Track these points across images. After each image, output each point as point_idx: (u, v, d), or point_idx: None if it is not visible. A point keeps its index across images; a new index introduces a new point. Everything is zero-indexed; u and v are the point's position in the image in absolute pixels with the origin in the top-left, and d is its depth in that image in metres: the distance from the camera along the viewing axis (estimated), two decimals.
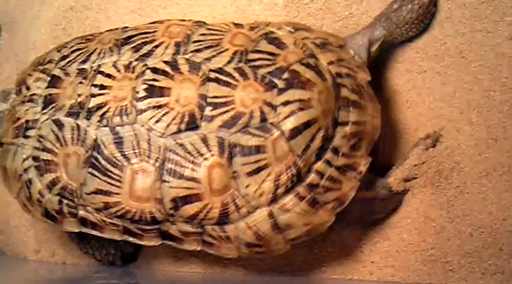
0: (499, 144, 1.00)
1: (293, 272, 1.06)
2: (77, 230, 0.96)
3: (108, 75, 0.92)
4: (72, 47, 1.00)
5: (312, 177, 0.88)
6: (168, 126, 0.88)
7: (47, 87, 0.96)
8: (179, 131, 0.88)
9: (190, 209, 0.88)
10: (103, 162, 0.90)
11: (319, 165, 0.88)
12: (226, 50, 0.92)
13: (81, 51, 0.98)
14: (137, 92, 0.90)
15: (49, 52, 1.03)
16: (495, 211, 0.99)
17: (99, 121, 0.90)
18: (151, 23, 1.01)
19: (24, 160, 0.95)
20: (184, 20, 1.00)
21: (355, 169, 0.90)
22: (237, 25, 0.98)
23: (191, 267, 1.10)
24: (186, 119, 0.88)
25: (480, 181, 1.00)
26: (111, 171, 0.89)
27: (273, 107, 0.87)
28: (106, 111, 0.90)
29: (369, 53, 0.98)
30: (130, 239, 0.94)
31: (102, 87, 0.92)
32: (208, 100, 0.88)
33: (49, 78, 0.97)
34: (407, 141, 1.04)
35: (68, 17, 1.20)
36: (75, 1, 1.19)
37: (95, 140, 0.90)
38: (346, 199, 0.90)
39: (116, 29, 1.02)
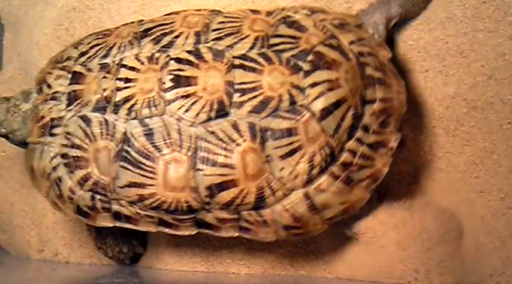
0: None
1: (295, 271, 1.07)
2: (111, 225, 0.96)
3: (132, 68, 0.92)
4: (89, 43, 0.99)
5: (345, 156, 0.89)
6: (197, 114, 0.88)
7: (69, 84, 0.95)
8: (209, 119, 0.88)
9: (226, 195, 0.88)
10: (134, 155, 0.90)
11: (351, 144, 0.89)
12: (247, 36, 0.92)
13: (100, 47, 0.97)
14: (163, 83, 0.90)
15: (65, 50, 1.02)
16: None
17: (127, 114, 0.90)
18: (166, 15, 1.01)
19: (52, 158, 0.94)
20: (199, 10, 1.00)
21: (386, 146, 0.91)
22: (253, 11, 0.98)
23: (194, 266, 1.10)
24: (215, 107, 0.88)
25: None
26: (143, 163, 0.89)
27: (301, 89, 0.88)
28: (134, 104, 0.90)
29: (387, 30, 0.99)
30: (166, 230, 0.94)
31: (127, 80, 0.91)
32: (236, 86, 0.88)
33: (70, 75, 0.96)
34: (408, 141, 1.04)
35: (71, 17, 1.18)
36: (78, 1, 1.18)
37: (125, 133, 0.90)
38: (380, 175, 0.91)
39: (132, 22, 1.02)
